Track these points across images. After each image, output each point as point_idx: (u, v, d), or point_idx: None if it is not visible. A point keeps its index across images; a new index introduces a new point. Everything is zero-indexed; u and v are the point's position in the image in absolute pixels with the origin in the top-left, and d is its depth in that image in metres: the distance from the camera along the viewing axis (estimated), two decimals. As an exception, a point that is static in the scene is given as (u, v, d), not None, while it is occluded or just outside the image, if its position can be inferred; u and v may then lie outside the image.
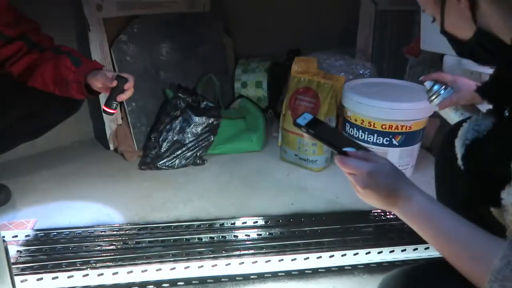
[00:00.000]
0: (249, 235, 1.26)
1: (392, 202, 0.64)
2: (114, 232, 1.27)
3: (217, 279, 1.10)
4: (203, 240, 1.24)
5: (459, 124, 0.80)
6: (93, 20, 1.60)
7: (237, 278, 1.11)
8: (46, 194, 1.48)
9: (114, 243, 1.22)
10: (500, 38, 0.62)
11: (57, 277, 1.09)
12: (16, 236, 1.24)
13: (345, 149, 0.68)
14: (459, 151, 0.72)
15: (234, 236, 1.26)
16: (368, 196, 0.65)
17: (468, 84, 1.05)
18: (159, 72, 1.84)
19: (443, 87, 1.07)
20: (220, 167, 1.70)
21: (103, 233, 1.27)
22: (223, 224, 1.31)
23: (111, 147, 1.79)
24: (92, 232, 1.27)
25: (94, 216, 1.36)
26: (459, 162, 0.70)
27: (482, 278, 0.53)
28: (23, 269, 1.11)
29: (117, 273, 1.11)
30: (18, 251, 1.18)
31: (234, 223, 1.32)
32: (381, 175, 0.64)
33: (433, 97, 1.09)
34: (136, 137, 1.75)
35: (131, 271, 1.11)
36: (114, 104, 1.18)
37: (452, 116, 1.10)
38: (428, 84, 1.10)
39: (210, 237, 1.25)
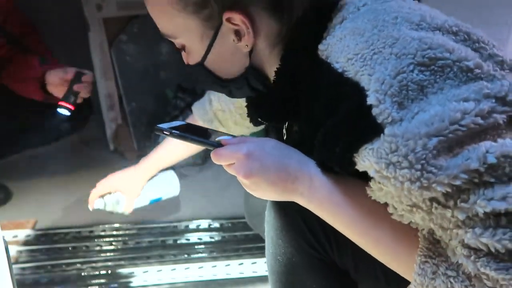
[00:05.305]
0: (248, 235, 1.26)
1: (289, 188, 0.53)
2: (114, 232, 1.27)
3: (217, 279, 1.10)
4: (203, 240, 1.24)
5: None
6: (93, 20, 1.60)
7: (236, 278, 1.11)
8: (46, 194, 1.48)
9: (114, 243, 1.22)
10: (266, 74, 0.62)
11: (57, 277, 1.09)
12: (16, 236, 1.24)
13: (219, 138, 0.56)
14: None
15: (234, 236, 1.26)
16: (258, 186, 0.53)
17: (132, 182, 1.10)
18: (159, 72, 1.84)
19: (114, 200, 1.08)
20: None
21: (103, 233, 1.27)
22: (222, 224, 1.31)
23: (111, 147, 1.79)
24: (92, 232, 1.27)
25: (94, 216, 1.35)
26: None
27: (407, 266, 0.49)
28: (23, 269, 1.11)
29: (119, 272, 1.11)
30: (18, 251, 1.18)
31: (234, 223, 1.32)
32: (264, 153, 0.53)
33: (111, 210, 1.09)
34: (136, 137, 1.75)
35: (132, 272, 1.11)
36: (72, 98, 1.10)
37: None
38: (97, 205, 1.08)
39: (210, 237, 1.25)
